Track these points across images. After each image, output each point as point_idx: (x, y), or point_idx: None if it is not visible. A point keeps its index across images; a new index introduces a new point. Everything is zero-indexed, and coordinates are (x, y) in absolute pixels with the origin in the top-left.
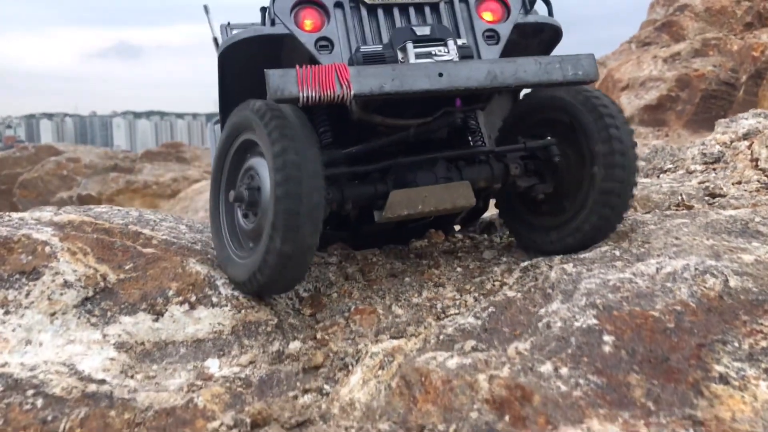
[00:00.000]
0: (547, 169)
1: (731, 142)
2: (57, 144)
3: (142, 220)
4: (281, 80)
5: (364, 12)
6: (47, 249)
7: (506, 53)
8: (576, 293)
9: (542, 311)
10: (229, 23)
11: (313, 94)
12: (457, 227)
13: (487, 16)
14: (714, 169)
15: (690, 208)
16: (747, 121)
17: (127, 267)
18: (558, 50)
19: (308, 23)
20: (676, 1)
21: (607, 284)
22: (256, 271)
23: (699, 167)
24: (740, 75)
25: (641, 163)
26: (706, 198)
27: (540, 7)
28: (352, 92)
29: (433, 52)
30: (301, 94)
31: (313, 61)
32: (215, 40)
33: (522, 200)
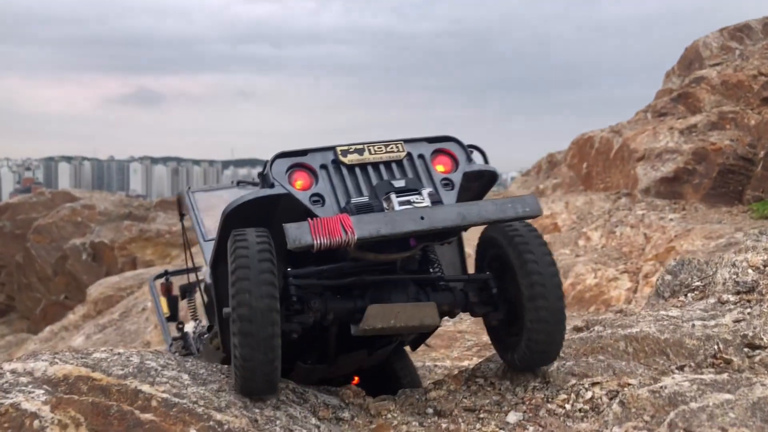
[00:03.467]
0: (500, 299)
1: (765, 266)
2: (73, 190)
3: (143, 369)
4: (298, 232)
5: (344, 170)
6: (36, 423)
7: (459, 196)
8: None
9: None
10: (190, 187)
11: (325, 241)
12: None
13: (440, 168)
14: (749, 302)
15: (728, 363)
16: None
17: None
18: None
19: (299, 183)
20: (692, 72)
21: None
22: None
23: (732, 297)
24: (758, 150)
25: (667, 277)
26: (746, 350)
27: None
28: (356, 237)
29: (412, 200)
30: (315, 242)
31: (309, 213)
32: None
33: (490, 327)
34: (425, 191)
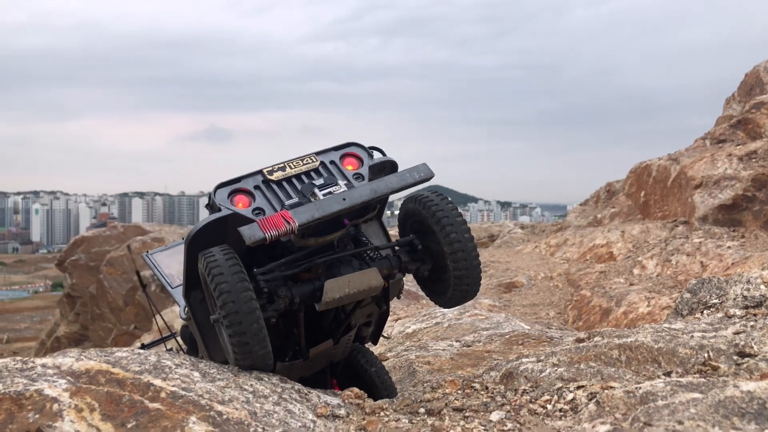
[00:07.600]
0: (425, 255)
1: None
2: (144, 224)
3: (158, 366)
4: (250, 231)
5: (274, 186)
6: (55, 407)
7: None
8: None
9: None
10: (147, 251)
11: (273, 233)
12: (382, 339)
13: (350, 167)
14: (755, 316)
15: (716, 369)
16: None
17: (129, 425)
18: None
19: (240, 204)
20: (753, 98)
21: None
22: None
23: (738, 312)
24: None
25: (686, 296)
26: (735, 357)
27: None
28: (297, 224)
29: (332, 190)
30: (266, 235)
31: None
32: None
33: (422, 278)
34: (342, 182)
